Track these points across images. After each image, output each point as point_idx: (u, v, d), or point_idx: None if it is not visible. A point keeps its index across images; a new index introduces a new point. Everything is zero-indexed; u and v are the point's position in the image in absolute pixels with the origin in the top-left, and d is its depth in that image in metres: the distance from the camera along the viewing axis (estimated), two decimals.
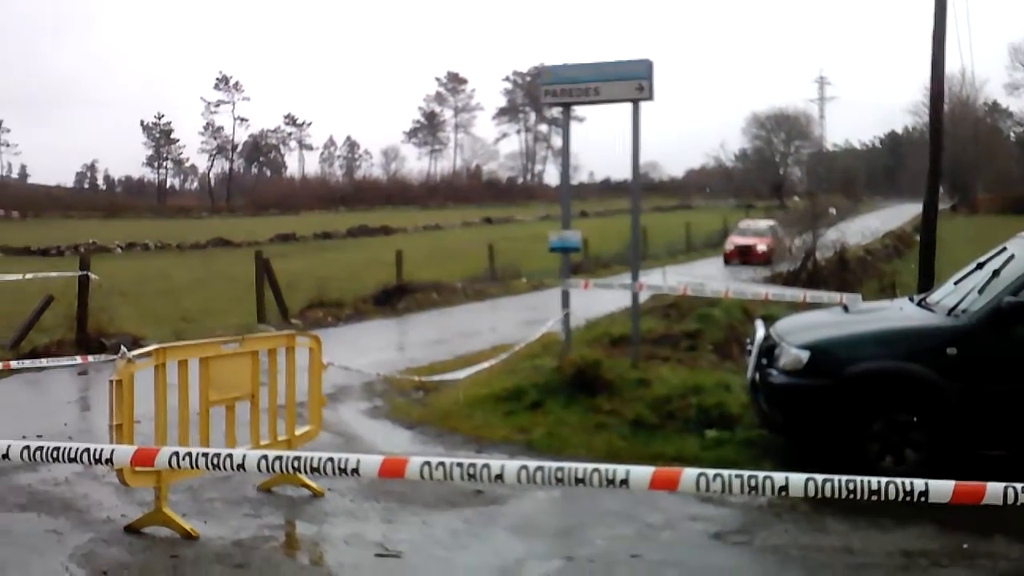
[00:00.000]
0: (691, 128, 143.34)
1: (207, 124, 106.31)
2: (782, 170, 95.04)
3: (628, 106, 11.58)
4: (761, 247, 32.76)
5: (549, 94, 11.95)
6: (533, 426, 9.58)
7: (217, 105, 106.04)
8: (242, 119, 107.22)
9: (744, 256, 34.32)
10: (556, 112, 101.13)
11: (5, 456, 3.35)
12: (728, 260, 35.51)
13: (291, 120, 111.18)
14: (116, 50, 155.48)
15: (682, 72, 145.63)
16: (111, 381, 6.25)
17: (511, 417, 9.95)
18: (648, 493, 7.19)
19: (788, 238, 29.51)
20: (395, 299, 22.68)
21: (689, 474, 3.02)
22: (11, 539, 6.28)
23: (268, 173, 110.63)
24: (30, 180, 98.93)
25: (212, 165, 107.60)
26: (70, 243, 40.84)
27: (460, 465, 3.07)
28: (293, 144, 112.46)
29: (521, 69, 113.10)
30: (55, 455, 3.32)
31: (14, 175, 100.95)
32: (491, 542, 6.43)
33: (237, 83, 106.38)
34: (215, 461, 3.24)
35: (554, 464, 3.08)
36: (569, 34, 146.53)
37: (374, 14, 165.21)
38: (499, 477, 3.05)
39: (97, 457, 3.35)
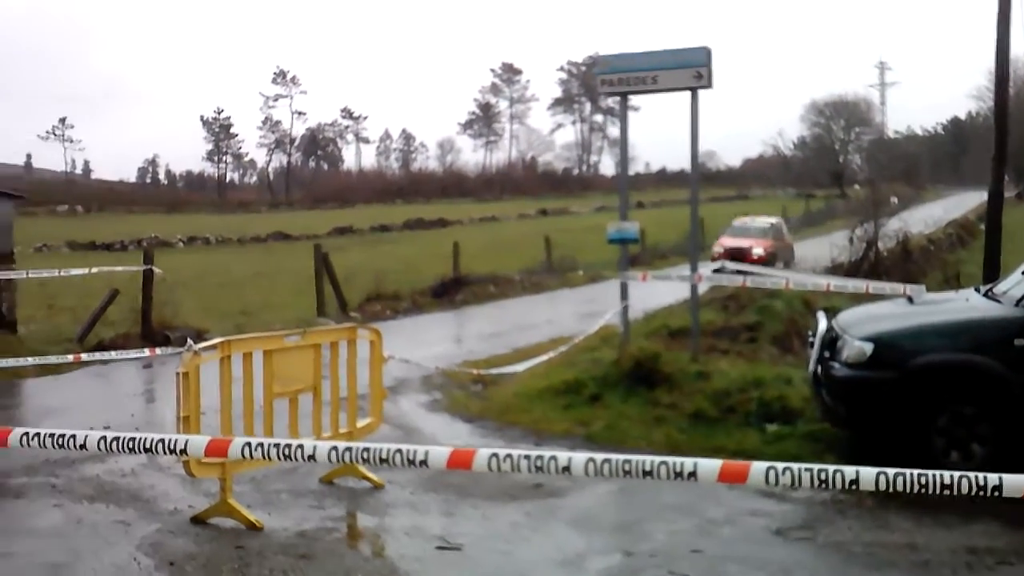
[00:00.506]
0: (748, 116, 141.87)
1: (265, 118, 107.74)
2: (842, 158, 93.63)
3: (685, 95, 11.49)
4: (757, 250, 27.85)
5: (606, 84, 11.88)
6: (592, 419, 9.58)
7: (275, 99, 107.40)
8: (300, 113, 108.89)
9: (734, 259, 29.61)
10: (612, 102, 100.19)
11: (83, 447, 3.43)
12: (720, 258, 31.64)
13: (348, 113, 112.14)
14: (176, 46, 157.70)
15: (739, 59, 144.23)
16: (178, 373, 6.36)
17: (570, 410, 9.95)
18: (709, 488, 7.16)
19: (778, 243, 29.26)
20: (452, 292, 22.78)
21: (758, 467, 2.99)
22: (82, 529, 6.42)
23: (325, 166, 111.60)
24: (94, 176, 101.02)
25: (270, 159, 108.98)
26: (133, 237, 41.63)
27: (527, 457, 3.08)
28: (350, 137, 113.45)
29: (576, 59, 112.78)
30: (131, 445, 3.39)
31: (78, 171, 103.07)
32: (551, 536, 6.43)
33: (295, 77, 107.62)
34: (286, 451, 3.29)
35: (621, 456, 3.07)
36: (624, 23, 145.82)
37: (429, 6, 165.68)
38: (566, 469, 3.06)
39: (171, 447, 3.42)
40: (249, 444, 3.36)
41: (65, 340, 15.30)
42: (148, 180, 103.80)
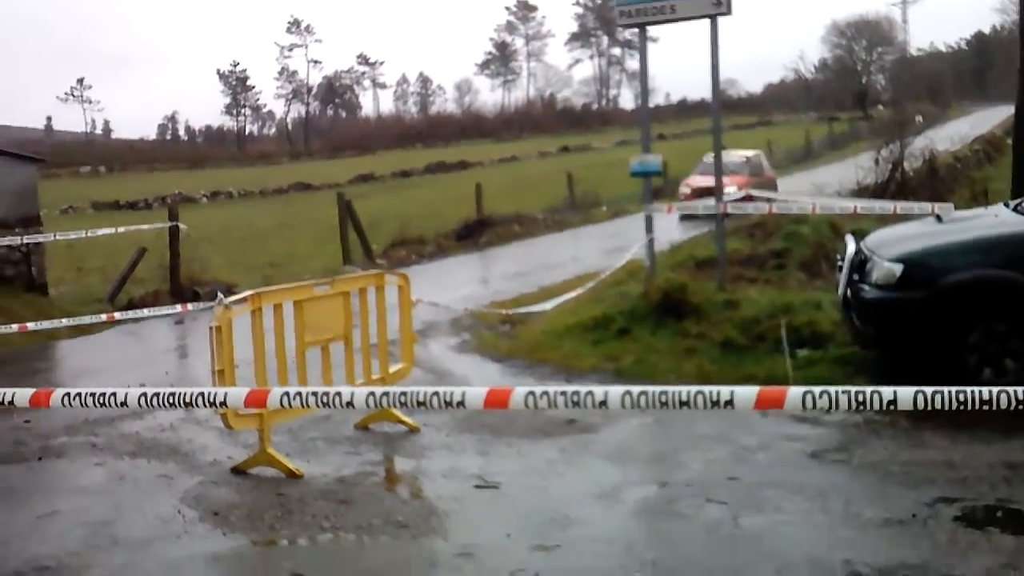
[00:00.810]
0: (768, 41, 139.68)
1: (282, 69, 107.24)
2: (865, 79, 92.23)
3: (704, 23, 11.33)
4: (730, 189, 25.46)
5: (623, 15, 11.71)
6: (622, 353, 9.59)
7: (290, 49, 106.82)
8: (315, 62, 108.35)
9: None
10: (629, 34, 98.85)
11: (123, 404, 3.47)
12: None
13: (363, 59, 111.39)
14: (190, 1, 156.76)
15: None
16: (211, 327, 6.40)
17: (599, 346, 9.97)
18: (742, 416, 7.19)
19: (756, 179, 24.93)
20: (476, 233, 22.79)
21: (795, 392, 2.98)
22: (125, 484, 6.53)
23: (343, 114, 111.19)
24: (114, 135, 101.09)
25: (289, 110, 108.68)
26: (156, 195, 41.79)
27: (563, 393, 3.09)
28: (367, 83, 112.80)
29: None
30: (171, 400, 3.43)
31: (98, 131, 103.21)
32: (587, 470, 6.48)
33: (309, 26, 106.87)
34: (324, 399, 3.33)
35: (657, 388, 3.07)
36: None
37: None
38: (603, 403, 3.06)
39: (211, 400, 3.47)
40: (287, 393, 3.40)
41: (95, 300, 15.47)
42: (168, 137, 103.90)
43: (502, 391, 3.19)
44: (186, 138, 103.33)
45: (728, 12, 11.03)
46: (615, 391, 3.11)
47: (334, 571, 5.16)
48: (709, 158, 25.41)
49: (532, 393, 3.15)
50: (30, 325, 9.29)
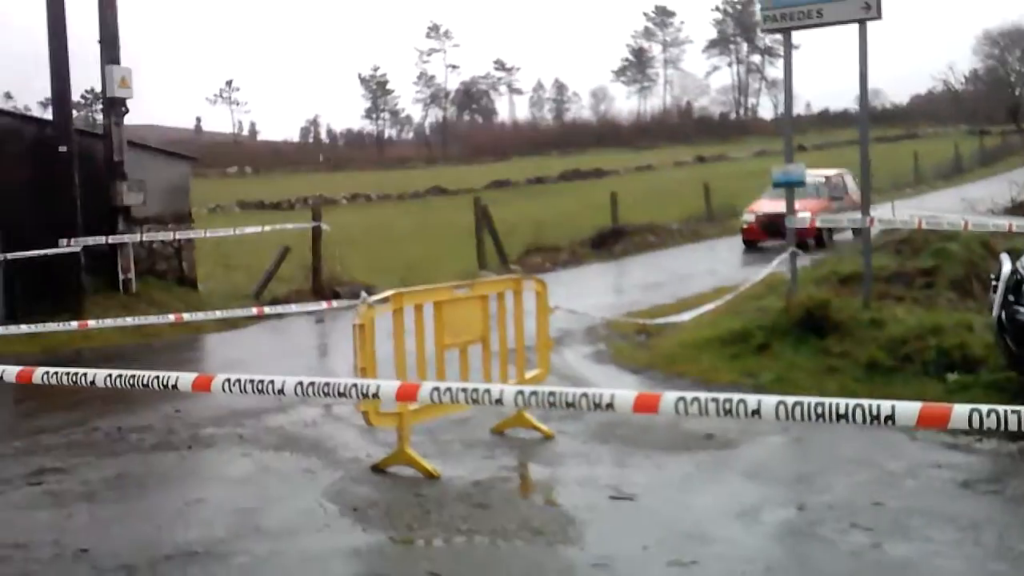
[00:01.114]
0: (915, 50, 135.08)
1: (420, 74, 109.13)
2: (1018, 91, 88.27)
3: (847, 30, 11.02)
4: (803, 216, 20.59)
5: (768, 19, 11.47)
6: (761, 369, 9.40)
7: (429, 54, 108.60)
8: (453, 67, 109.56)
9: (771, 233, 20.83)
10: (769, 41, 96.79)
11: (280, 392, 3.58)
12: (747, 240, 22.59)
13: (500, 65, 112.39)
14: (333, 5, 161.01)
15: None
16: (354, 325, 6.54)
17: (738, 360, 9.79)
18: (888, 439, 6.96)
19: (837, 204, 21.08)
20: (611, 242, 22.70)
21: (960, 410, 2.84)
22: (271, 476, 6.73)
23: (480, 120, 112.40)
24: (260, 137, 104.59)
25: (426, 114, 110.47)
26: (299, 196, 42.99)
27: (715, 400, 3.04)
28: (503, 89, 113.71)
29: None
30: (325, 390, 3.53)
31: (245, 132, 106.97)
32: (726, 487, 6.37)
33: (447, 31, 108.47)
34: (474, 396, 3.36)
35: (812, 400, 2.98)
36: None
37: None
38: (755, 412, 2.99)
39: (364, 392, 3.56)
40: (438, 388, 3.45)
41: (241, 296, 16.01)
42: (311, 139, 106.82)
43: (651, 396, 3.16)
44: (327, 141, 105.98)
45: (878, 16, 10.68)
46: (768, 400, 3.03)
47: (470, 574, 5.20)
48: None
49: (683, 399, 3.10)
50: (185, 316, 9.68)
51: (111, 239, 14.72)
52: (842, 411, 2.92)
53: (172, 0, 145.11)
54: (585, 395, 3.20)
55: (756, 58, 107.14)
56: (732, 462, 6.84)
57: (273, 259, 16.96)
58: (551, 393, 3.29)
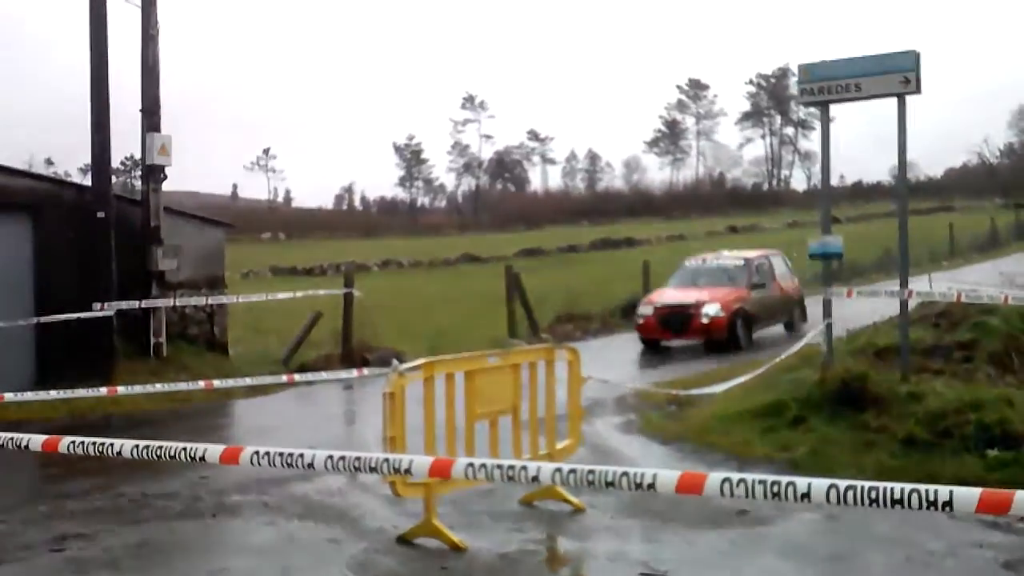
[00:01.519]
0: (950, 123, 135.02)
1: (454, 143, 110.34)
2: None
3: (881, 104, 10.98)
4: (710, 309, 17.56)
5: (805, 93, 11.46)
6: (795, 443, 9.20)
7: (464, 124, 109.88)
8: (487, 137, 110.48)
9: (673, 329, 17.96)
10: (803, 114, 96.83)
11: (310, 465, 3.50)
12: (643, 335, 18.67)
13: (534, 135, 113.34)
14: (369, 76, 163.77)
15: (934, 63, 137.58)
16: (384, 394, 6.46)
17: (771, 434, 9.60)
18: (924, 516, 6.73)
19: (757, 294, 18.43)
20: None
21: (1022, 496, 2.71)
22: (296, 546, 6.62)
23: (512, 188, 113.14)
24: (294, 204, 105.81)
25: (460, 183, 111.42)
26: (331, 262, 43.24)
27: (763, 482, 2.91)
28: (536, 159, 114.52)
29: (765, 71, 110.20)
30: (356, 465, 3.45)
31: (280, 199, 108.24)
32: (760, 565, 6.19)
33: (482, 102, 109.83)
34: (510, 472, 3.26)
35: (866, 483, 2.85)
36: (811, 34, 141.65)
37: (612, 26, 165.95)
38: (805, 496, 2.87)
39: (396, 467, 3.45)
40: (472, 465, 3.35)
41: (271, 361, 15.99)
42: (345, 206, 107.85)
43: (695, 476, 3.04)
44: (361, 208, 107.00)
45: (917, 91, 10.65)
46: (819, 484, 2.90)
47: None
48: (693, 262, 20.27)
49: (728, 480, 2.98)
50: (215, 383, 9.65)
51: (144, 303, 14.80)
52: (897, 496, 2.79)
53: (211, 70, 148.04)
54: (626, 474, 3.09)
55: (789, 130, 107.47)
56: (766, 539, 6.66)
57: (304, 325, 16.98)
58: (590, 471, 3.18)
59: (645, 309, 18.42)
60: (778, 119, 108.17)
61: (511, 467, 3.29)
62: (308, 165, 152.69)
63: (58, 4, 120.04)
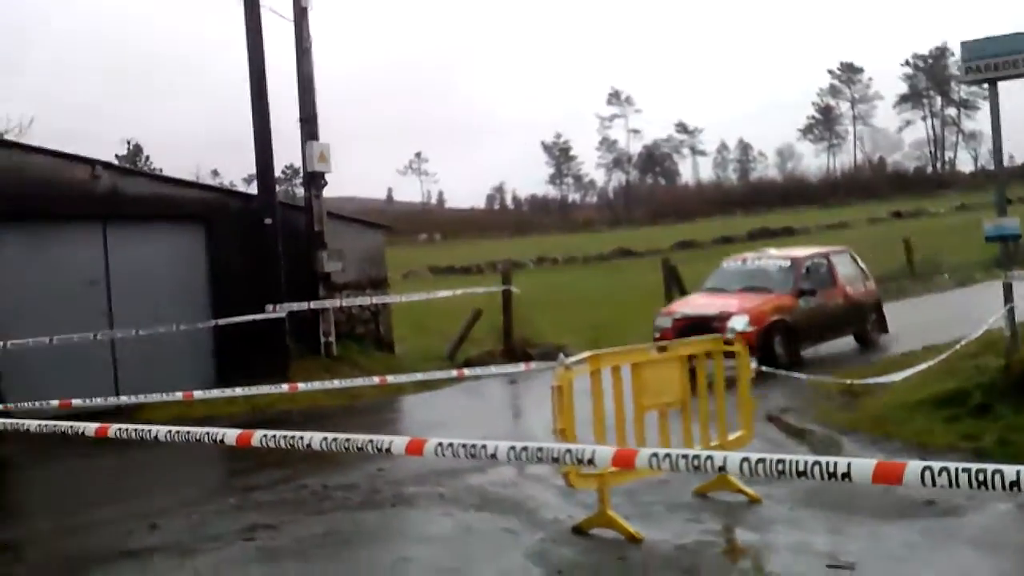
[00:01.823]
0: None
1: (602, 139, 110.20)
2: None
3: None
4: (737, 322, 13.55)
5: (971, 71, 10.94)
6: (981, 432, 8.78)
7: (611, 120, 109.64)
8: (635, 131, 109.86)
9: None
10: (966, 93, 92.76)
11: (493, 456, 3.54)
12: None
13: (682, 128, 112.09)
14: (516, 75, 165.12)
15: None
16: (552, 387, 6.49)
17: (954, 423, 9.19)
18: None
19: (805, 301, 15.03)
20: None
21: None
22: (473, 536, 6.72)
23: (663, 182, 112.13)
24: (447, 205, 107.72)
25: (609, 178, 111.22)
26: (486, 260, 43.78)
27: (966, 471, 2.77)
28: (685, 151, 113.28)
29: (921, 51, 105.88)
30: (539, 455, 3.45)
31: (433, 201, 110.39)
32: (953, 557, 5.93)
33: (628, 97, 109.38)
34: (695, 462, 3.20)
35: None
36: (964, 11, 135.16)
37: (758, 13, 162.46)
38: (1015, 485, 2.70)
39: (579, 458, 3.44)
40: (656, 455, 3.30)
41: (435, 358, 16.30)
42: (496, 206, 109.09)
43: (894, 465, 2.91)
44: (512, 207, 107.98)
45: None
46: None
47: None
48: (731, 264, 16.69)
49: (929, 469, 2.84)
50: (389, 378, 9.88)
51: (313, 304, 15.30)
52: None
53: (361, 77, 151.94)
54: (818, 463, 2.98)
55: (951, 111, 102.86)
56: (959, 530, 6.37)
57: (465, 322, 17.24)
58: (779, 461, 3.09)
59: (663, 321, 15.03)
60: (938, 100, 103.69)
61: (696, 456, 3.23)
62: (459, 167, 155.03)
63: (209, 23, 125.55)
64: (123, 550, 6.76)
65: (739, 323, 13.34)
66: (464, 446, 3.60)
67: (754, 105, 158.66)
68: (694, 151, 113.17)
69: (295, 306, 14.73)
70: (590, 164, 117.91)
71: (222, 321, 13.83)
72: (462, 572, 5.93)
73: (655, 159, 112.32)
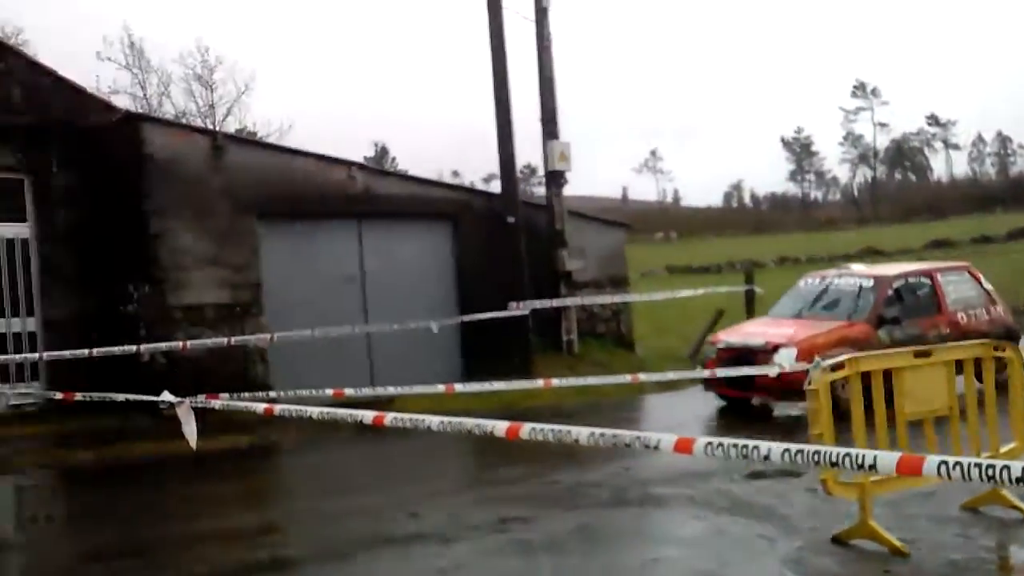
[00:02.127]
0: None
1: (846, 134, 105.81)
2: None
3: None
4: (784, 357, 11.54)
5: None
6: None
7: (855, 113, 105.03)
8: (882, 125, 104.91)
9: (735, 381, 11.58)
10: None
11: (766, 458, 3.45)
12: (707, 386, 12.95)
13: (934, 120, 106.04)
14: (755, 69, 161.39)
15: None
16: (807, 391, 6.30)
17: None
18: None
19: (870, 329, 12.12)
20: None
21: None
22: (724, 540, 6.60)
23: (912, 177, 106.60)
24: (683, 203, 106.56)
25: (854, 174, 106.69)
26: (725, 260, 43.06)
27: None
28: (938, 145, 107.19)
29: None
30: (816, 459, 3.34)
31: (668, 199, 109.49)
32: None
33: (875, 89, 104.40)
34: (989, 472, 3.01)
35: None
36: None
37: None
38: None
39: (860, 463, 3.31)
40: (945, 463, 3.12)
41: (675, 358, 16.18)
42: (734, 204, 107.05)
43: None
44: (750, 205, 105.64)
45: None
46: None
47: None
48: (809, 282, 13.96)
49: None
50: (641, 376, 9.87)
51: (556, 302, 15.52)
52: None
53: (594, 76, 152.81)
54: None
55: None
56: None
57: (708, 321, 17.01)
58: None
59: (710, 351, 13.14)
60: None
61: (991, 466, 3.02)
62: (695, 164, 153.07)
63: (445, 27, 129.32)
64: (385, 536, 7.08)
65: (786, 358, 11.22)
66: (735, 446, 3.53)
67: (1014, 95, 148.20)
68: (947, 144, 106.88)
69: (538, 304, 14.99)
70: (832, 160, 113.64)
71: (468, 318, 14.27)
72: (716, 575, 5.83)
73: (904, 153, 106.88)
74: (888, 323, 12.28)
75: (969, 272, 13.73)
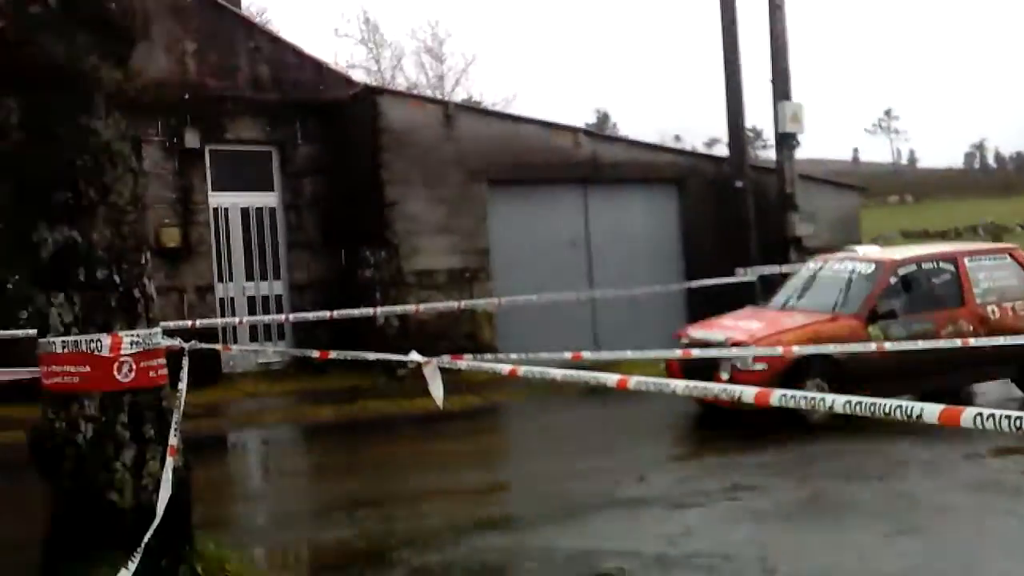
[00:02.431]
0: None
1: None
2: None
3: None
4: (739, 357, 9.60)
5: None
6: None
7: None
8: None
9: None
10: None
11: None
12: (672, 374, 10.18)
13: None
14: (999, 20, 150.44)
15: None
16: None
17: None
18: None
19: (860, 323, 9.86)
20: None
21: None
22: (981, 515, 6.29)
23: None
24: (919, 165, 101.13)
25: None
26: (965, 224, 40.68)
27: None
28: None
29: None
30: (872, 410, 3.25)
31: (903, 161, 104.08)
32: None
33: None
34: (1017, 424, 2.75)
35: None
36: None
37: None
38: None
39: (908, 414, 3.16)
40: (980, 414, 2.88)
41: None
42: (976, 165, 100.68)
43: None
44: (995, 165, 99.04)
45: None
46: None
47: None
48: (814, 267, 11.75)
49: None
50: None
51: (784, 268, 15.08)
52: None
53: (828, 38, 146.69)
54: None
55: None
56: None
57: None
58: None
59: (676, 346, 10.62)
60: None
61: (1018, 418, 2.76)
62: (933, 124, 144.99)
63: None
64: (613, 498, 7.12)
65: (740, 358, 9.49)
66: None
67: None
68: None
69: (766, 270, 14.61)
70: None
71: (694, 284, 14.07)
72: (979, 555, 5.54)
73: None
74: (884, 317, 10.10)
75: (1012, 256, 11.22)
